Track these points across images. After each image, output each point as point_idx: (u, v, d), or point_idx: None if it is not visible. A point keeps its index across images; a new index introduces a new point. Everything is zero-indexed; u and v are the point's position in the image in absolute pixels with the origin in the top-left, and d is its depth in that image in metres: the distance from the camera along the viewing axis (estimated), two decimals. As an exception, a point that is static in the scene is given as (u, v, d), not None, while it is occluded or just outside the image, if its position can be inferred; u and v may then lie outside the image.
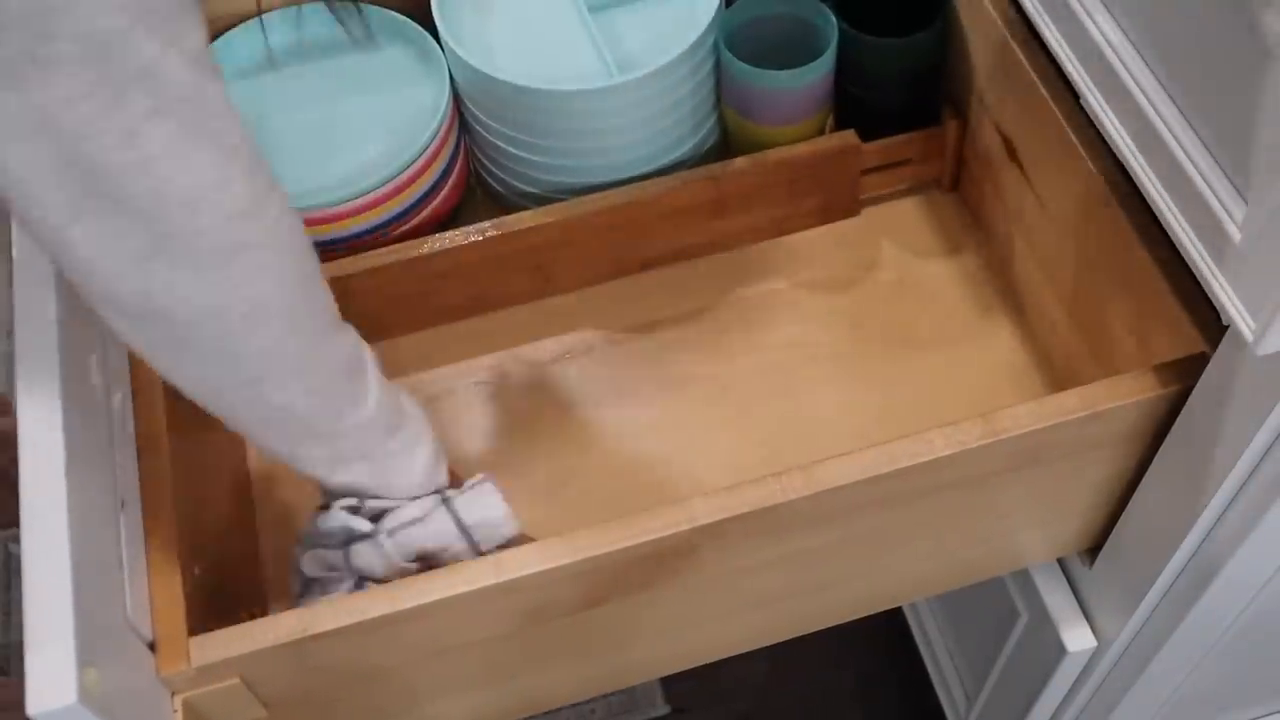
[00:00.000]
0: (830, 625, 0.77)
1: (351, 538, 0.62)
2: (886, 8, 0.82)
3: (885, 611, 0.83)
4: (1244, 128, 0.53)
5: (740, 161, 0.83)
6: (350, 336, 0.59)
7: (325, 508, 0.63)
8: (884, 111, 0.87)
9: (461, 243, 0.80)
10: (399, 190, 0.81)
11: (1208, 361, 0.61)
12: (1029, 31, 0.74)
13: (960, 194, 0.90)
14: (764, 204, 0.85)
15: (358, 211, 0.80)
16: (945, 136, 0.86)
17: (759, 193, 0.84)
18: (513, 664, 0.68)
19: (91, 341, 0.61)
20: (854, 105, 0.86)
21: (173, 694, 0.57)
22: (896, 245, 0.88)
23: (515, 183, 0.87)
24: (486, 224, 0.81)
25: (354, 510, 0.62)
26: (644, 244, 0.85)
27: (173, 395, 0.65)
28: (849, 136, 0.85)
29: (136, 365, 0.65)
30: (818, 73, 0.81)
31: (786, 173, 0.84)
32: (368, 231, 0.82)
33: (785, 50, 0.83)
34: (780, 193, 0.85)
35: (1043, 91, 0.73)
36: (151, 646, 0.57)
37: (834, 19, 0.81)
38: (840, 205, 0.88)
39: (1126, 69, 0.59)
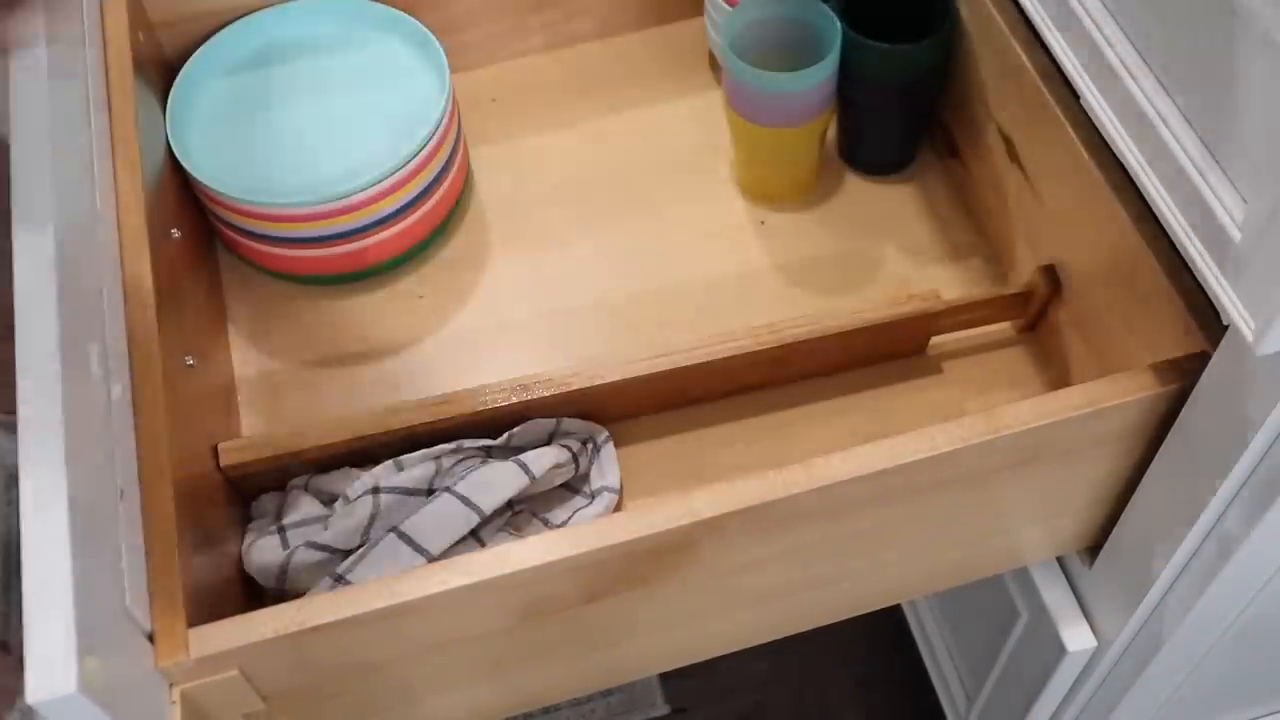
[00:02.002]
0: (830, 622, 0.77)
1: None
2: (889, 12, 0.83)
3: (885, 610, 0.82)
4: (1244, 128, 0.53)
5: (814, 329, 0.78)
6: None
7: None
8: (883, 115, 0.87)
9: (501, 403, 0.75)
10: (402, 184, 0.81)
11: (1209, 360, 0.61)
12: (1030, 32, 0.74)
13: (963, 204, 0.90)
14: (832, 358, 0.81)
15: (359, 206, 0.80)
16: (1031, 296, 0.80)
17: (826, 349, 0.79)
18: (511, 658, 0.68)
19: (92, 332, 0.61)
20: (850, 108, 0.86)
21: (171, 685, 0.57)
22: (899, 248, 0.89)
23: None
24: (525, 380, 0.75)
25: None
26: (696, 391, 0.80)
27: (172, 387, 0.66)
28: (933, 300, 0.79)
29: (136, 356, 0.65)
30: (819, 76, 0.81)
31: (864, 336, 0.79)
32: (370, 225, 0.82)
33: (790, 53, 0.83)
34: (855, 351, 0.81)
35: (1044, 92, 0.73)
36: (150, 637, 0.57)
37: (838, 23, 0.81)
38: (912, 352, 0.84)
39: (1126, 69, 0.59)
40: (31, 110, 0.64)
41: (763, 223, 0.90)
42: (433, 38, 0.85)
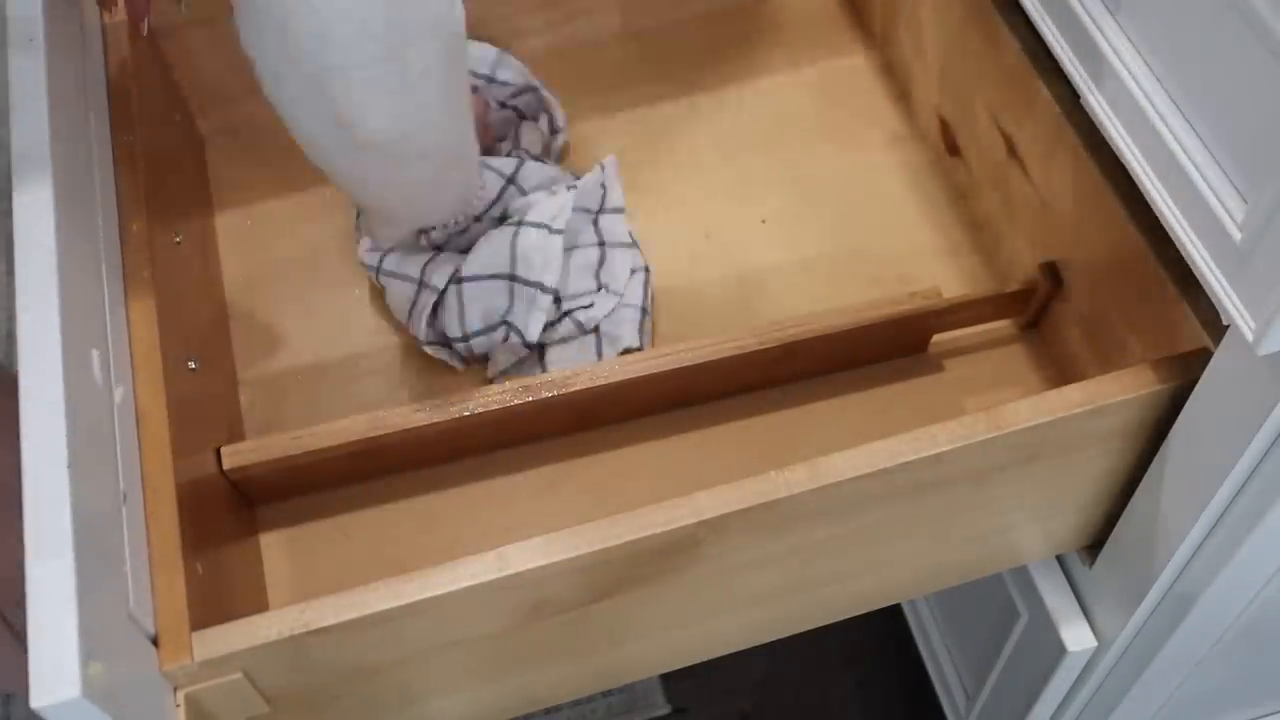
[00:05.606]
0: (831, 621, 0.77)
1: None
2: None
3: (885, 611, 0.82)
4: (1244, 127, 0.53)
5: (815, 328, 0.77)
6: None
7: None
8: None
9: (503, 404, 0.75)
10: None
11: (1211, 357, 0.61)
12: (1030, 30, 0.74)
13: (964, 202, 0.90)
14: (834, 356, 0.81)
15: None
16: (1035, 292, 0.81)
17: (828, 348, 0.79)
18: (514, 659, 0.68)
19: (93, 336, 0.61)
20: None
21: (175, 688, 0.57)
22: (899, 246, 0.89)
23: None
24: (530, 382, 0.75)
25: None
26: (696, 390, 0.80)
27: (174, 390, 0.66)
28: (934, 298, 0.79)
29: (138, 359, 0.65)
30: None
31: (865, 335, 0.79)
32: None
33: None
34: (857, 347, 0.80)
35: (1044, 90, 0.73)
36: (154, 641, 0.57)
37: None
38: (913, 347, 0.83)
39: (1127, 69, 0.60)
40: (32, 111, 0.64)
41: (763, 221, 0.90)
42: None
